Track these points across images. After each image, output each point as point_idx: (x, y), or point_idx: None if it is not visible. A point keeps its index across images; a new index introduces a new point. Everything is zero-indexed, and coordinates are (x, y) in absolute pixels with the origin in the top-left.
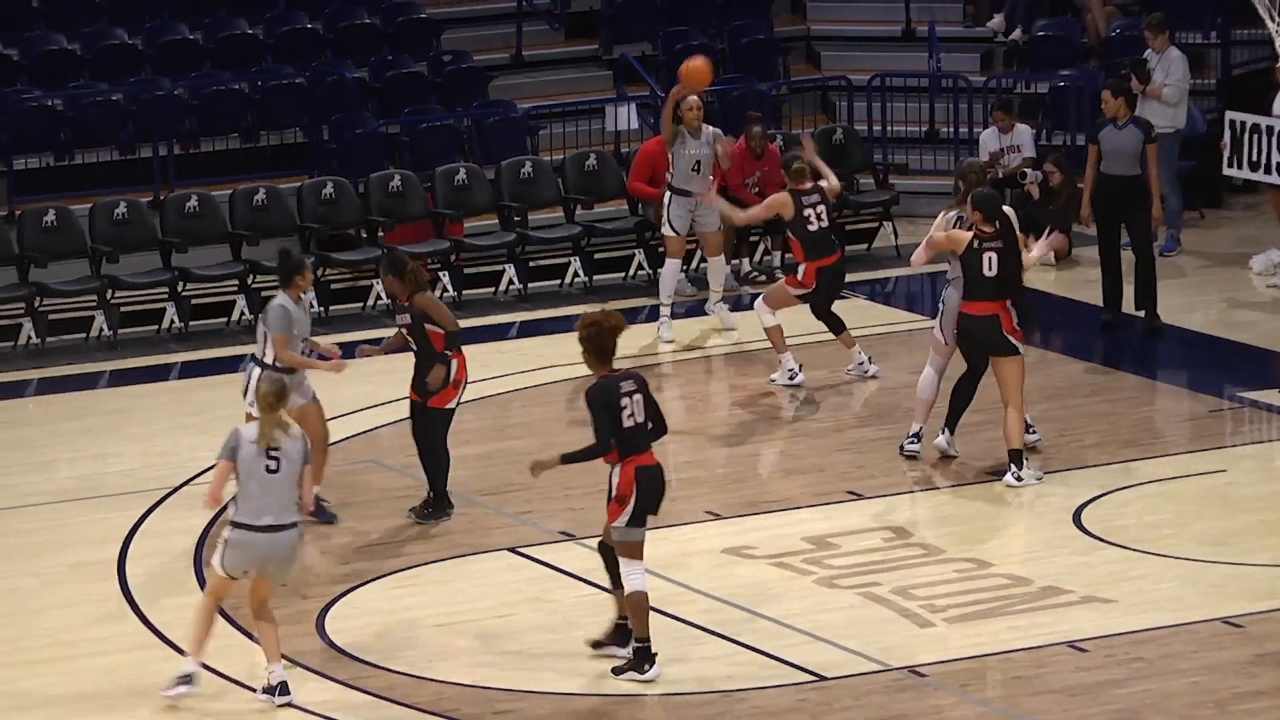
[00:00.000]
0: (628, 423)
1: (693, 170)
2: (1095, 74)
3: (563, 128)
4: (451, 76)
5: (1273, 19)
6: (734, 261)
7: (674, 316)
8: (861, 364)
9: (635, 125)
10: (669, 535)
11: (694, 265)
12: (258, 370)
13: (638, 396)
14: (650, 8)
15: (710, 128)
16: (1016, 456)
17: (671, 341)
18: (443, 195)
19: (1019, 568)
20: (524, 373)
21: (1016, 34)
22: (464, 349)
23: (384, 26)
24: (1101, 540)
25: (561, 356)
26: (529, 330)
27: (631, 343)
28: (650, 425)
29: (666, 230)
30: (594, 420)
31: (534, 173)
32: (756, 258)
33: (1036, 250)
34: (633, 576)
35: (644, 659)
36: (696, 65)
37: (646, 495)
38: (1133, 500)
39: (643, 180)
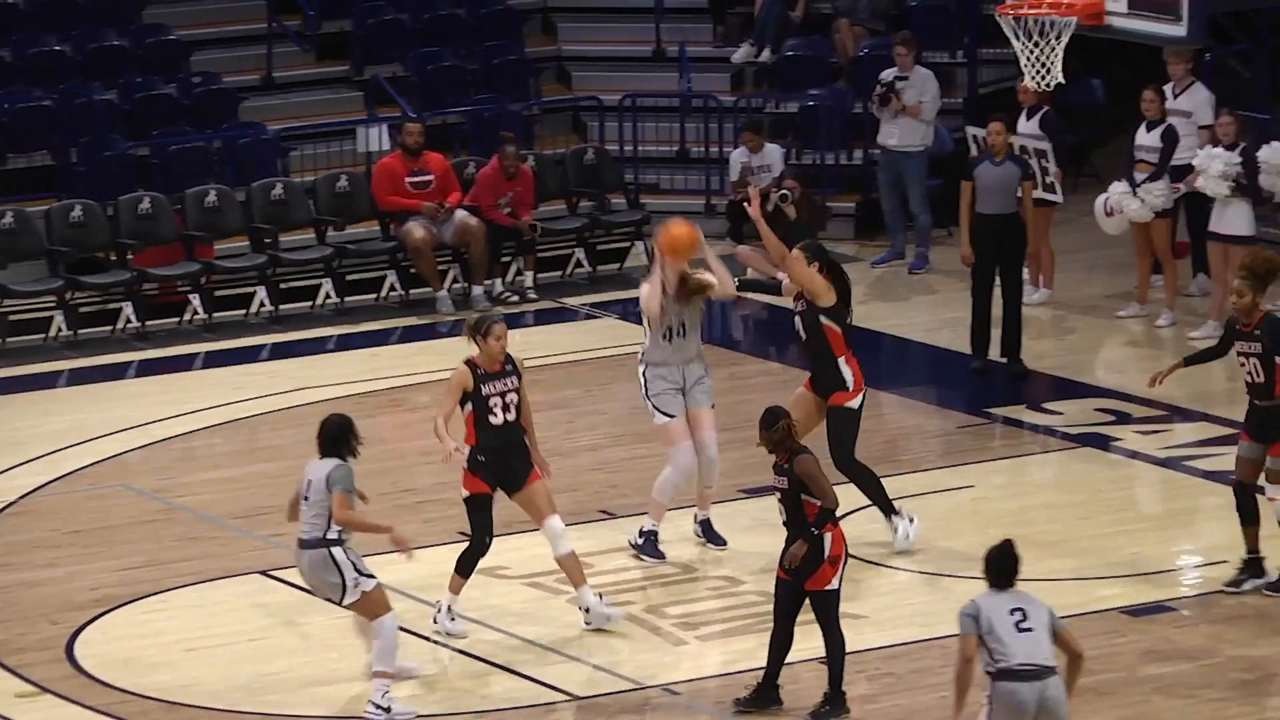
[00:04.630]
0: None
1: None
2: (844, 93)
3: (314, 149)
4: (202, 98)
5: (1018, 38)
6: (486, 282)
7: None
8: None
9: (387, 146)
10: (422, 556)
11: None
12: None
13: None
14: (401, 29)
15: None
16: None
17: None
18: (193, 217)
19: (771, 584)
20: (275, 395)
21: (766, 54)
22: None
23: (133, 48)
24: (852, 556)
25: (312, 378)
26: (280, 352)
27: (391, 364)
28: None
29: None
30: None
31: (285, 194)
32: (509, 278)
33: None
34: None
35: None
36: (678, 234)
37: None
38: (883, 516)
39: (386, 193)
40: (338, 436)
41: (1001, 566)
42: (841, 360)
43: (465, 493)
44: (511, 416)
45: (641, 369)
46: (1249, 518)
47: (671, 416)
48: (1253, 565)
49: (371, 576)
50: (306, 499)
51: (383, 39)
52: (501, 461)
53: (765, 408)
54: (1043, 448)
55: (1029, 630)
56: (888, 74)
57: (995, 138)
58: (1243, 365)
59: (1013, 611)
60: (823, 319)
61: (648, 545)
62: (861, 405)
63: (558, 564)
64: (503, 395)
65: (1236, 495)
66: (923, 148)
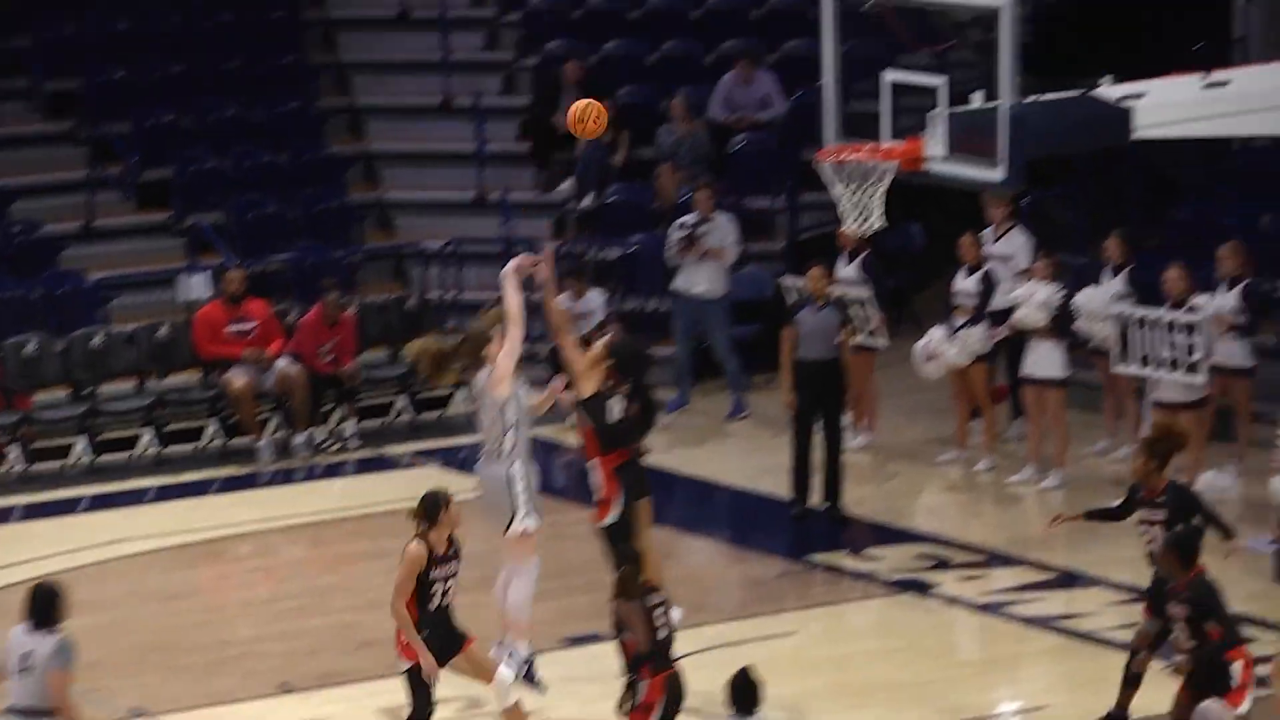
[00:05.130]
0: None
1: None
2: (666, 239)
3: (135, 298)
4: (22, 247)
5: (838, 184)
6: (307, 430)
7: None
8: None
9: (208, 294)
10: (243, 711)
11: None
12: None
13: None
14: (222, 177)
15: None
16: None
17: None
18: (12, 367)
19: None
20: (94, 547)
21: (588, 200)
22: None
23: None
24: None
25: (131, 530)
26: (99, 504)
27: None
28: None
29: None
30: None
31: (105, 343)
32: (331, 426)
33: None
34: None
35: None
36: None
37: None
38: (704, 664)
39: (207, 341)
40: (49, 606)
41: (745, 693)
42: (592, 465)
43: (406, 663)
44: (449, 601)
45: (511, 467)
46: (1131, 682)
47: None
48: None
49: None
50: (25, 670)
51: (204, 187)
52: (441, 637)
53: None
54: (863, 594)
55: None
56: (688, 219)
57: (815, 284)
58: (1144, 534)
59: None
60: (579, 411)
61: (529, 673)
62: (619, 526)
63: (505, 716)
64: (445, 580)
65: (1130, 658)
66: (725, 294)
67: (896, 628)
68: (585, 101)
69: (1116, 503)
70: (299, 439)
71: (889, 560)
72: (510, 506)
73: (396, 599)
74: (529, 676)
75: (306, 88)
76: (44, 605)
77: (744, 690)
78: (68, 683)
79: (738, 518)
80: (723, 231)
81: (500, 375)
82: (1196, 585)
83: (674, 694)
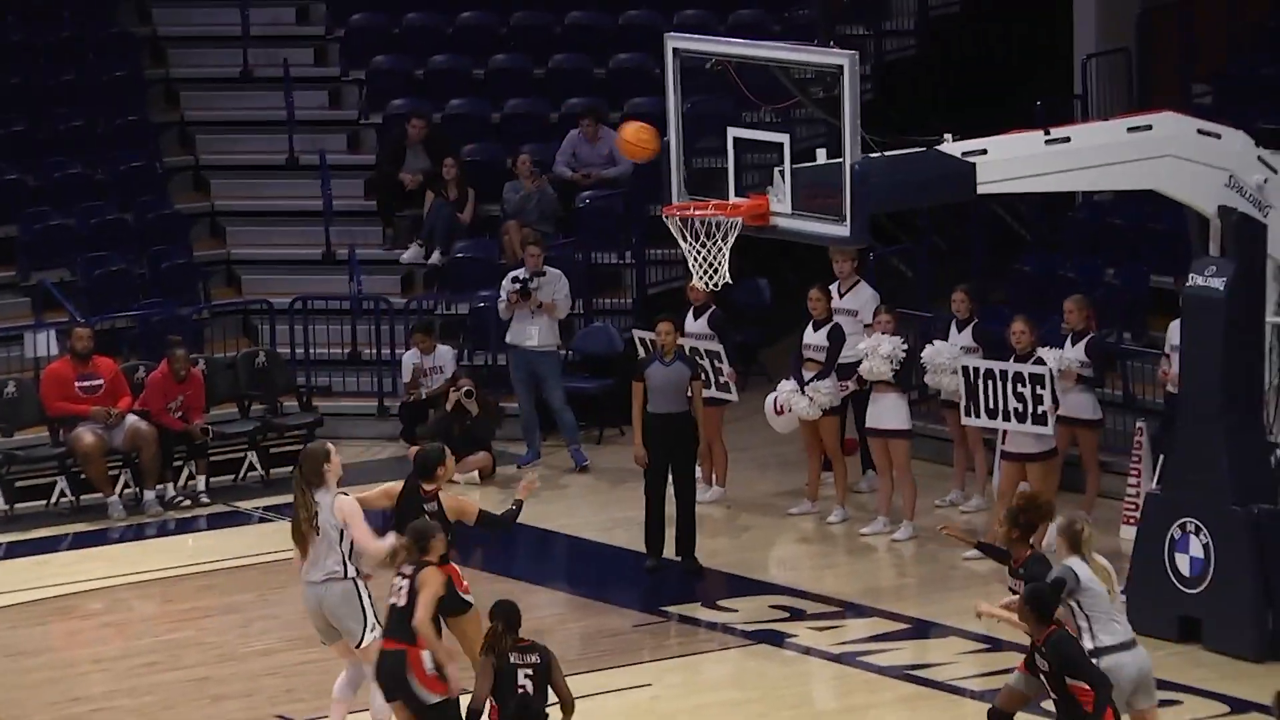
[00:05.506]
0: None
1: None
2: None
3: None
4: None
5: (685, 239)
6: (158, 486)
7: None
8: None
9: (56, 351)
10: None
11: None
12: None
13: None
14: (68, 234)
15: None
16: None
17: None
18: None
19: None
20: None
21: (435, 256)
22: None
23: None
24: None
25: None
26: None
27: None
28: None
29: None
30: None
31: None
32: (181, 482)
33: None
34: None
35: None
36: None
37: None
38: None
39: (55, 399)
40: None
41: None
42: None
43: (434, 697)
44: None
45: (350, 577)
46: None
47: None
48: None
49: None
50: None
51: (49, 244)
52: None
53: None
54: (719, 645)
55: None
56: (520, 273)
57: (664, 338)
58: (1009, 603)
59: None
60: None
61: None
62: None
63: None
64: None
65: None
66: (556, 346)
67: (752, 678)
68: (638, 124)
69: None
70: (150, 495)
71: (744, 611)
72: (360, 617)
73: (425, 625)
74: None
75: (150, 145)
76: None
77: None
78: None
79: (591, 570)
80: (554, 286)
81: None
82: (1056, 641)
83: None
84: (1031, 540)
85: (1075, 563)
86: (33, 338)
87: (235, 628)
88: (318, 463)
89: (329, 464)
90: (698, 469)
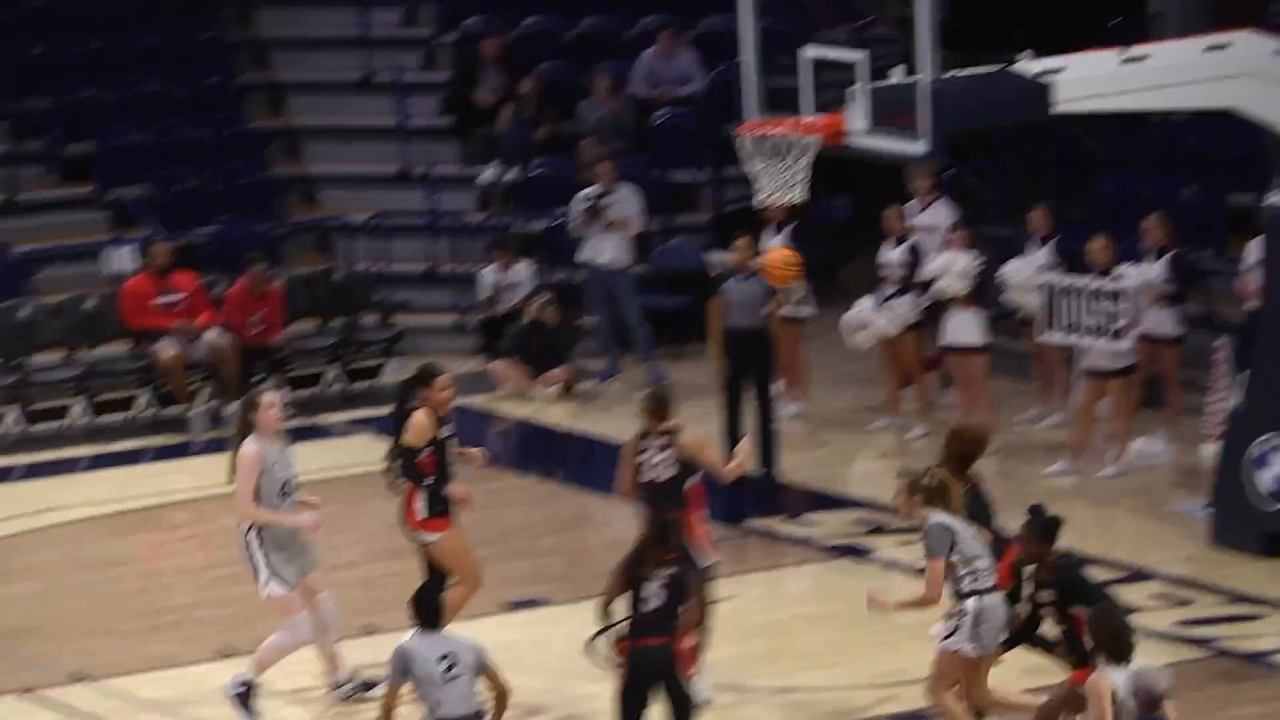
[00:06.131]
0: None
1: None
2: None
3: (60, 270)
4: None
5: (759, 158)
6: (238, 400)
7: None
8: None
9: (133, 267)
10: (180, 675)
11: None
12: None
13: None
14: (145, 151)
15: None
16: None
17: None
18: None
19: (531, 697)
20: (27, 515)
21: (513, 174)
22: None
23: None
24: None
25: (64, 499)
26: (32, 473)
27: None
28: None
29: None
30: None
31: (32, 315)
32: None
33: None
34: None
35: None
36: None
37: None
38: None
39: (135, 314)
40: None
41: (430, 607)
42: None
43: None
44: None
45: (247, 534)
46: None
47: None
48: None
49: None
50: None
51: (127, 161)
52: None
53: None
54: (800, 559)
55: (456, 678)
56: (590, 191)
57: (741, 255)
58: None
59: (441, 659)
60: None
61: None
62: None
63: None
64: None
65: None
66: (630, 264)
67: (834, 592)
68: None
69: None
70: (230, 409)
71: (826, 526)
72: (252, 569)
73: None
74: (244, 701)
75: (226, 63)
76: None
77: (429, 602)
78: None
79: None
80: (626, 203)
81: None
82: (1064, 565)
83: (640, 667)
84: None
85: (943, 517)
86: (112, 253)
87: (318, 540)
88: (248, 409)
89: (256, 412)
90: (777, 385)
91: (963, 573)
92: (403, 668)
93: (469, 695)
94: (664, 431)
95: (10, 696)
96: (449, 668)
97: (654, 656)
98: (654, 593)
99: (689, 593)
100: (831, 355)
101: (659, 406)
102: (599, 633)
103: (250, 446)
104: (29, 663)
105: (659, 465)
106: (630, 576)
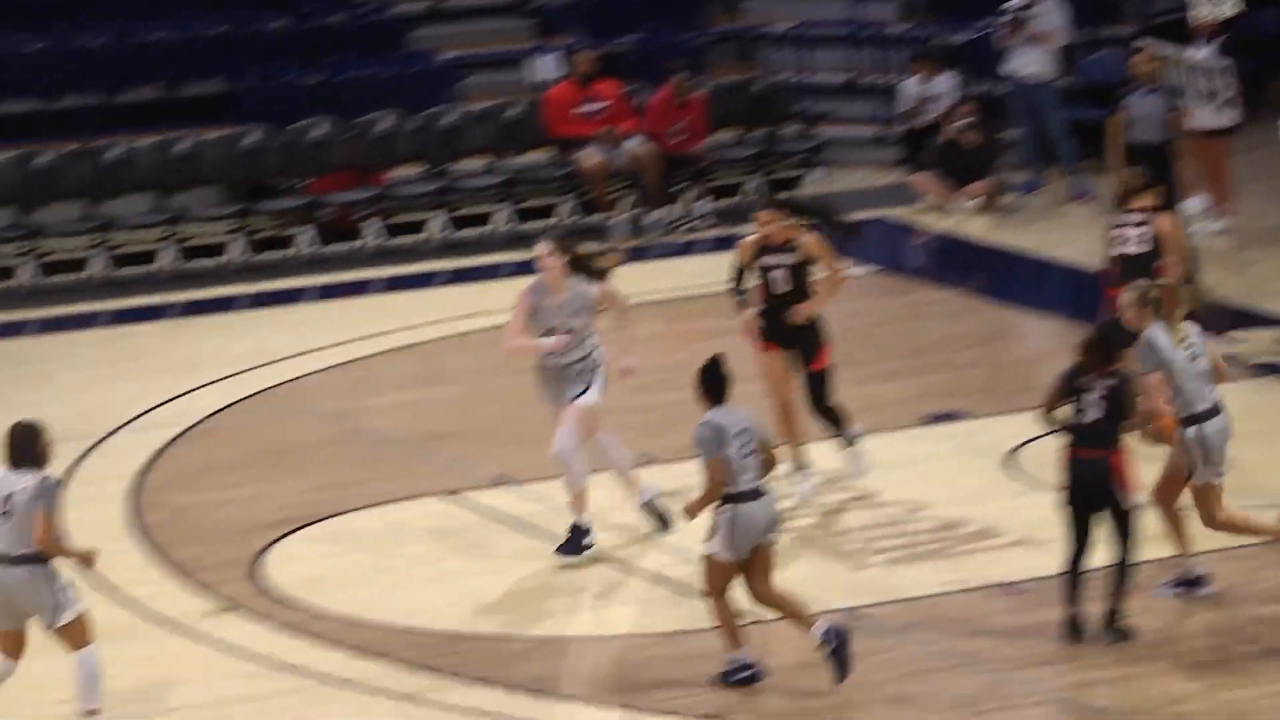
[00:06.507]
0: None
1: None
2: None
3: (482, 78)
4: (369, 27)
5: None
6: (660, 210)
7: None
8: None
9: (558, 75)
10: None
11: None
12: None
13: None
14: None
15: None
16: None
17: None
18: (366, 145)
19: (953, 510)
20: (450, 320)
21: None
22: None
23: None
24: (1037, 483)
25: (487, 304)
26: (455, 278)
27: None
28: None
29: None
30: None
31: (457, 122)
32: (683, 204)
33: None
34: None
35: None
36: None
37: None
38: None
39: (558, 121)
40: (27, 445)
41: (717, 381)
42: None
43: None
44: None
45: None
46: None
47: None
48: None
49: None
50: (5, 514)
51: None
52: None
53: None
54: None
55: (749, 455)
56: (1015, 3)
57: (1143, 67)
58: None
59: (738, 434)
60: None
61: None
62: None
63: None
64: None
65: None
66: (1054, 76)
67: (1262, 411)
68: None
69: None
70: (652, 217)
71: (1252, 344)
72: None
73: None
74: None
75: None
76: (22, 444)
77: (717, 377)
78: (53, 523)
79: (1094, 298)
80: (1050, 15)
81: None
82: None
83: (1078, 478)
84: None
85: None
86: (536, 61)
87: (733, 350)
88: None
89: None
90: (1202, 200)
91: None
92: (718, 440)
93: (758, 469)
94: (1142, 209)
95: (435, 498)
96: (746, 441)
97: (1090, 469)
98: (1093, 403)
99: (1129, 407)
100: (1260, 168)
101: (1135, 183)
102: (1026, 441)
103: (524, 288)
104: (452, 465)
105: (1131, 240)
106: (1070, 385)
